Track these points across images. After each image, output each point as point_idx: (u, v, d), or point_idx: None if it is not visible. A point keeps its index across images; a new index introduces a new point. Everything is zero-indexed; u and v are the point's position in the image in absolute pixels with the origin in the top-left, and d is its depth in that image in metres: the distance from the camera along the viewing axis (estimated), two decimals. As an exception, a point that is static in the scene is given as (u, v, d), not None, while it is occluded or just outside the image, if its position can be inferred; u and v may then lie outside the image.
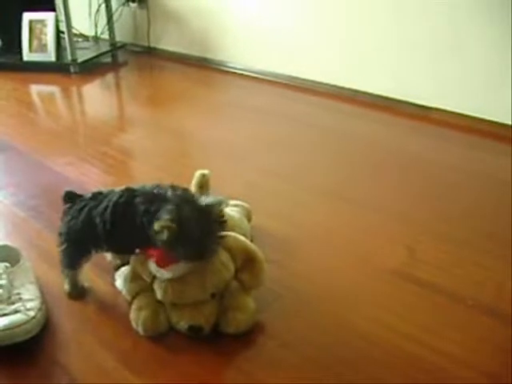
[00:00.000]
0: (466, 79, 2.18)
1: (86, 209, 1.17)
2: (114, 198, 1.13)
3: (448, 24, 2.17)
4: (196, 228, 1.03)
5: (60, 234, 1.22)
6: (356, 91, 2.51)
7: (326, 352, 1.09)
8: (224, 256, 1.11)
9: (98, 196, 1.19)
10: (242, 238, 1.17)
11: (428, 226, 1.51)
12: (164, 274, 1.08)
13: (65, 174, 1.86)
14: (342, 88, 2.55)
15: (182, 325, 1.11)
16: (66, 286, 1.26)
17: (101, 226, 1.12)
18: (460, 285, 1.27)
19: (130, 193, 1.12)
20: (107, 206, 1.13)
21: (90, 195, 1.20)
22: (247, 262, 1.14)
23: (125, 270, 1.23)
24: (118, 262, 1.28)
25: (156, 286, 1.11)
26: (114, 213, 1.12)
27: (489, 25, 2.07)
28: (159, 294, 1.10)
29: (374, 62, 2.45)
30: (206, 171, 1.34)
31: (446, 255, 1.39)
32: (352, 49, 2.51)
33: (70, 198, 1.23)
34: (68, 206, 1.22)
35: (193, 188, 1.32)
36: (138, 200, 1.09)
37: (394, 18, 2.33)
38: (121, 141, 2.21)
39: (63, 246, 1.21)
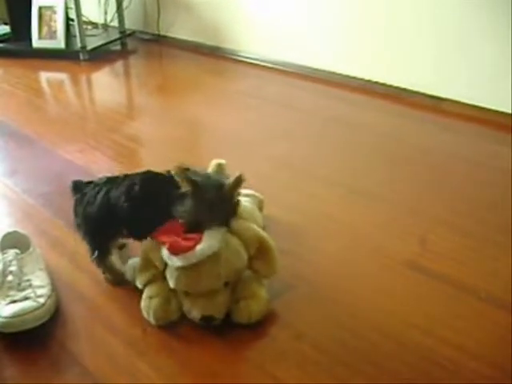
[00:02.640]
0: (476, 70, 2.15)
1: (102, 193, 1.16)
2: (140, 176, 1.16)
3: (456, 16, 2.14)
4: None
5: (78, 226, 1.21)
6: (368, 81, 2.49)
7: (338, 344, 1.07)
8: (237, 244, 1.10)
9: (114, 179, 1.19)
10: (254, 226, 1.17)
11: (439, 218, 1.50)
12: (176, 261, 1.06)
13: (74, 162, 1.86)
14: (354, 78, 2.53)
15: (195, 314, 1.10)
16: (106, 275, 1.25)
17: (124, 204, 1.13)
18: (472, 276, 1.26)
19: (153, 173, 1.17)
20: (133, 184, 1.14)
21: (103, 179, 1.20)
22: (260, 251, 1.13)
23: (133, 262, 1.23)
24: None
25: (168, 275, 1.10)
26: (144, 187, 1.13)
27: (496, 19, 2.05)
28: (172, 283, 1.09)
29: (385, 53, 2.42)
30: (222, 160, 1.33)
31: (458, 247, 1.38)
32: (364, 39, 2.49)
33: (79, 187, 1.22)
34: (79, 195, 1.21)
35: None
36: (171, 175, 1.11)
37: (406, 9, 2.30)
38: (130, 129, 2.20)
39: (86, 238, 1.20)
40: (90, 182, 1.23)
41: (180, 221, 1.09)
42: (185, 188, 1.06)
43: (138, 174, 1.19)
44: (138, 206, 1.12)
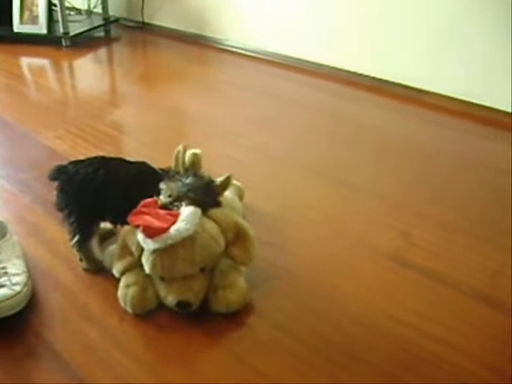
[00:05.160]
0: (464, 64, 2.16)
1: (103, 171, 1.16)
2: (139, 165, 1.20)
3: (445, 8, 2.14)
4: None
5: (65, 206, 1.18)
6: (353, 73, 2.48)
7: (317, 335, 1.07)
8: (214, 230, 1.09)
9: (109, 160, 1.20)
10: (232, 213, 1.16)
11: (423, 212, 1.50)
12: (150, 244, 1.05)
13: (54, 148, 1.84)
14: (338, 69, 2.53)
15: (170, 300, 1.09)
16: (83, 262, 1.23)
17: (122, 188, 1.15)
18: (455, 271, 1.26)
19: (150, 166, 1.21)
20: (133, 170, 1.18)
21: (98, 158, 1.20)
22: (238, 237, 1.12)
23: (112, 248, 1.21)
24: None
25: (144, 260, 1.08)
26: (143, 177, 1.17)
27: (485, 11, 2.05)
28: (147, 268, 1.08)
29: (369, 44, 2.42)
30: (197, 150, 1.31)
31: (442, 241, 1.38)
32: (348, 31, 2.48)
33: (63, 170, 1.19)
34: (65, 176, 1.18)
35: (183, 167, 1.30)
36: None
37: (394, 0, 2.30)
38: (112, 116, 2.18)
39: (72, 218, 1.18)
40: (76, 162, 1.20)
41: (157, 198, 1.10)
42: None
43: (136, 162, 1.21)
44: (133, 193, 1.11)
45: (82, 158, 1.23)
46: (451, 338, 1.07)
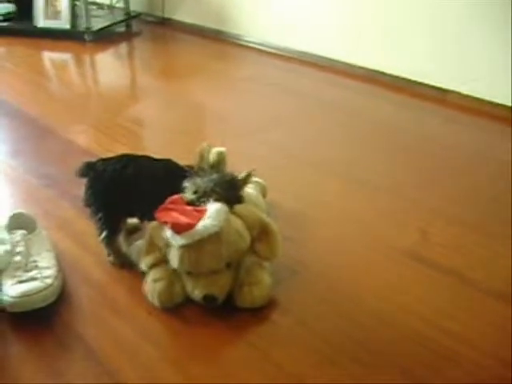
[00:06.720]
0: (477, 62, 2.16)
1: (130, 169, 1.19)
2: (165, 162, 1.23)
3: (457, 7, 2.14)
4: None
5: (93, 202, 1.21)
6: (372, 71, 2.48)
7: (339, 330, 1.09)
8: (240, 226, 1.11)
9: (136, 158, 1.23)
10: (257, 210, 1.18)
11: (440, 209, 1.51)
12: (178, 239, 1.07)
13: (77, 142, 1.86)
14: (358, 67, 2.53)
15: (197, 294, 1.11)
16: (111, 257, 1.26)
17: (150, 185, 1.18)
18: (471, 267, 1.27)
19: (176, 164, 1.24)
20: (159, 168, 1.21)
21: (125, 156, 1.23)
22: (262, 234, 1.14)
23: (139, 244, 1.24)
24: None
25: (171, 255, 1.11)
26: (169, 174, 1.19)
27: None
28: (175, 262, 1.10)
29: (390, 42, 2.42)
30: (222, 149, 1.33)
31: (458, 237, 1.39)
32: (368, 28, 2.48)
33: (91, 166, 1.22)
34: (93, 173, 1.21)
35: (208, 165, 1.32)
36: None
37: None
38: (133, 111, 2.20)
39: (100, 214, 1.21)
40: (104, 159, 1.23)
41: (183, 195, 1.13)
42: None
43: (162, 159, 1.24)
44: (161, 190, 1.14)
45: (105, 152, 1.26)
46: (468, 335, 1.08)
